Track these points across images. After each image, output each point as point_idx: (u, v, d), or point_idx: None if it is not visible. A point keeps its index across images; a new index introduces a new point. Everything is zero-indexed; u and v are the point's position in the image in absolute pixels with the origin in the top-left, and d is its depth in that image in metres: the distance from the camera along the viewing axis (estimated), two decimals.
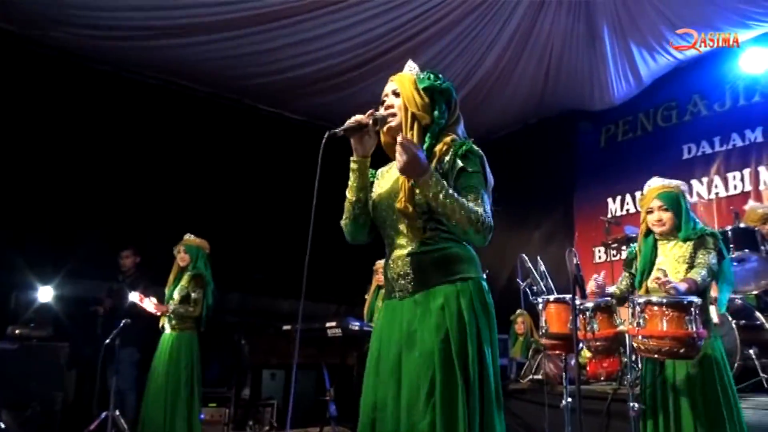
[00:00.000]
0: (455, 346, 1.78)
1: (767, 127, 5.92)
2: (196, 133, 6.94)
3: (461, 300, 1.83)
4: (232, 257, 6.64)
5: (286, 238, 6.14)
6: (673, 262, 2.97)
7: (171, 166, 6.69)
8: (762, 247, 4.37)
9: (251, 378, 6.68)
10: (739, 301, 4.45)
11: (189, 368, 4.64)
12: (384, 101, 2.03)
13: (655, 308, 2.71)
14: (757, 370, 4.08)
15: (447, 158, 1.91)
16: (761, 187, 5.83)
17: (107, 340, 4.68)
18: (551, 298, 3.50)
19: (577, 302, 3.18)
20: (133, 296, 4.74)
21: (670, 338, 2.66)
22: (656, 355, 2.74)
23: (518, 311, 6.48)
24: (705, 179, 6.26)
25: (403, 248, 1.94)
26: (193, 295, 4.71)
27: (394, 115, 1.99)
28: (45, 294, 5.32)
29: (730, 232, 4.46)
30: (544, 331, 3.44)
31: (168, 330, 4.71)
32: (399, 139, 1.81)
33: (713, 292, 3.08)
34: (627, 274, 3.30)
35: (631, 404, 2.98)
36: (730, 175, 6.10)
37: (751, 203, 5.32)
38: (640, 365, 3.85)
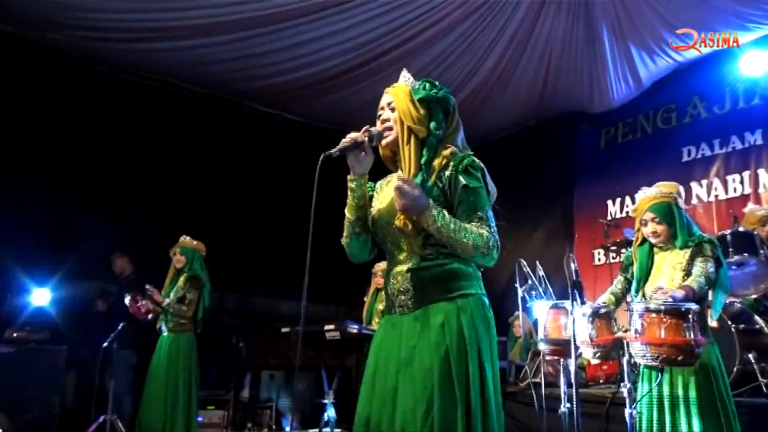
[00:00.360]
0: (455, 364, 1.75)
1: (767, 129, 5.90)
2: (195, 135, 6.93)
3: (462, 317, 1.81)
4: (232, 258, 6.64)
5: (285, 240, 6.14)
6: (669, 269, 2.98)
7: (170, 168, 6.68)
8: (761, 251, 4.35)
9: (250, 379, 6.67)
10: (738, 305, 4.44)
11: (187, 370, 4.64)
12: (380, 114, 2.02)
13: (653, 315, 2.70)
14: (756, 374, 4.07)
15: (447, 173, 1.89)
16: (761, 190, 5.81)
17: (105, 344, 4.68)
18: (549, 303, 3.48)
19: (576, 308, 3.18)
20: (127, 300, 4.75)
21: (669, 345, 2.65)
22: (654, 362, 2.73)
23: (516, 313, 6.47)
24: (704, 182, 6.24)
25: (404, 264, 1.92)
26: (188, 296, 4.73)
27: (390, 129, 1.97)
28: (40, 297, 5.29)
29: (729, 236, 4.44)
30: (542, 336, 3.43)
31: (165, 332, 4.71)
32: (395, 182, 1.80)
33: (709, 297, 3.08)
34: (623, 279, 3.31)
35: (629, 411, 2.97)
36: (729, 178, 6.08)
37: (750, 206, 5.31)
38: (638, 370, 3.86)
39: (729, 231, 4.49)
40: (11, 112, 5.70)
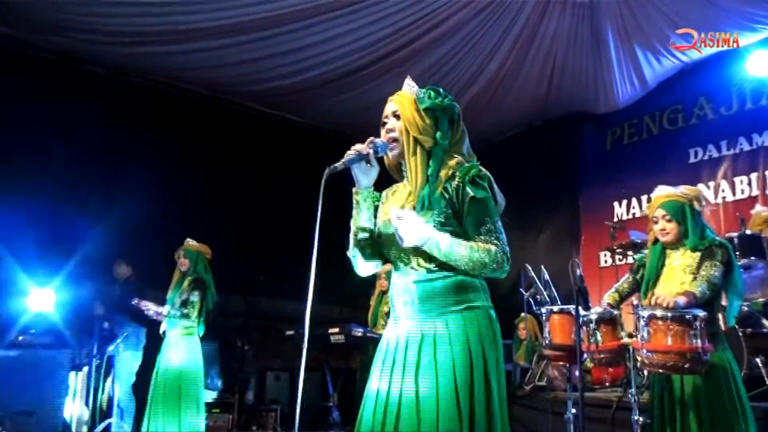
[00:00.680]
0: (461, 379, 1.74)
1: None
2: (199, 137, 6.93)
3: (468, 330, 1.80)
4: (237, 260, 6.64)
5: (290, 241, 6.13)
6: (679, 271, 2.93)
7: (174, 169, 6.67)
8: None
9: (255, 381, 6.68)
10: (746, 309, 4.40)
11: (191, 374, 4.62)
12: (384, 123, 2.00)
13: (659, 322, 2.67)
14: (763, 378, 4.04)
15: (453, 184, 1.87)
16: None
17: (110, 347, 4.68)
18: (555, 308, 3.46)
19: (581, 313, 3.16)
20: (134, 302, 4.74)
21: (675, 353, 2.62)
22: (661, 370, 2.71)
23: (521, 315, 6.45)
24: (712, 183, 6.19)
25: (409, 275, 1.90)
26: (191, 299, 4.71)
27: (395, 140, 1.95)
28: (41, 299, 5.25)
29: (736, 239, 4.41)
30: (547, 341, 3.41)
31: (169, 336, 4.70)
32: (393, 220, 1.79)
33: (723, 302, 3.04)
34: (631, 278, 3.26)
35: (636, 417, 2.95)
36: (737, 180, 6.04)
37: (757, 207, 5.27)
38: (645, 374, 3.83)
39: (736, 234, 4.46)
40: (11, 113, 5.67)
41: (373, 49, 6.17)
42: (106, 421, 4.66)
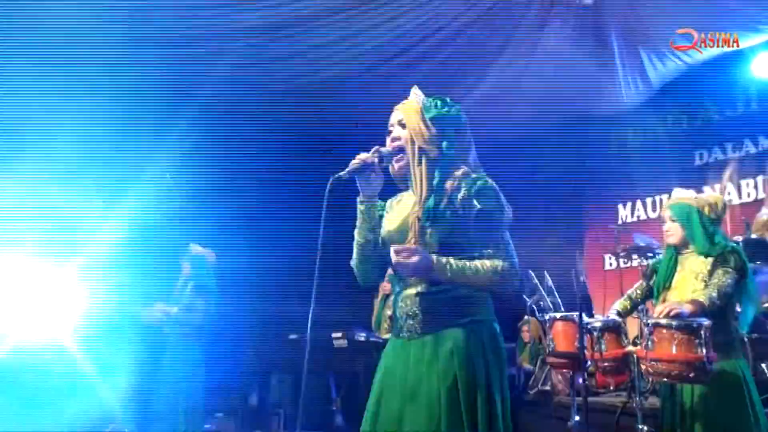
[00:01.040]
0: (463, 395, 1.71)
1: None
2: (205, 137, 6.90)
3: (471, 345, 1.77)
4: (241, 262, 6.63)
5: (294, 241, 6.11)
6: (691, 278, 2.89)
7: (178, 171, 6.67)
8: None
9: (259, 384, 6.67)
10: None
11: (192, 379, 4.62)
12: (390, 132, 1.98)
13: (664, 331, 2.65)
14: None
15: (459, 195, 1.84)
16: None
17: (113, 351, 4.68)
18: (558, 315, 3.44)
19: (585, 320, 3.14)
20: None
21: (680, 362, 2.60)
22: (666, 379, 2.69)
23: (525, 318, 6.42)
24: (717, 186, 6.16)
25: (413, 287, 1.88)
26: (194, 304, 4.71)
27: (401, 149, 1.93)
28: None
29: (741, 244, 4.36)
30: (550, 349, 3.39)
31: (172, 340, 4.70)
32: (393, 258, 1.74)
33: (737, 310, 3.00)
34: (644, 284, 3.23)
35: (640, 426, 2.93)
36: (743, 182, 6.01)
37: (764, 210, 5.23)
38: (650, 379, 3.80)
39: (741, 239, 4.42)
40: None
41: (375, 54, 6.15)
42: (111, 427, 4.66)
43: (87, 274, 5.25)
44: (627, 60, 6.28)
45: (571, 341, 3.26)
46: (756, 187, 5.90)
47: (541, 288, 3.89)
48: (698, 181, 6.22)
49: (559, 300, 3.84)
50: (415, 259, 1.72)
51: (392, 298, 2.07)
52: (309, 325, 1.95)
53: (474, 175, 1.88)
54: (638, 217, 6.80)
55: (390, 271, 2.09)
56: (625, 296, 3.28)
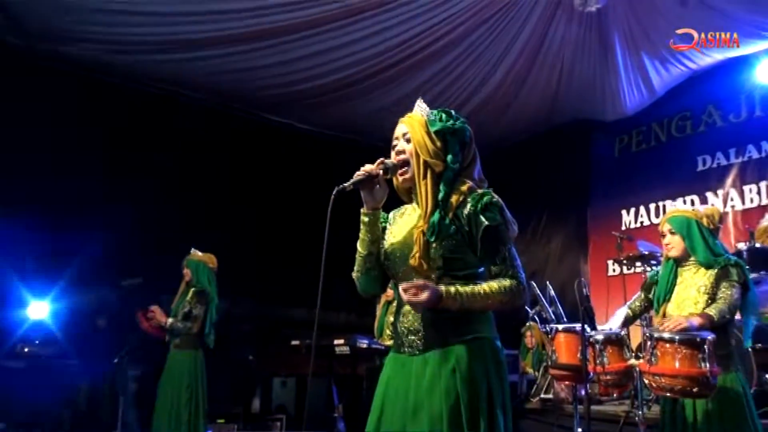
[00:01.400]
0: (466, 412, 1.70)
1: None
2: (206, 144, 6.93)
3: (474, 363, 1.76)
4: (244, 266, 6.63)
5: (297, 246, 6.10)
6: (693, 291, 2.88)
7: (182, 178, 6.68)
8: None
9: (261, 387, 6.65)
10: (755, 324, 4.34)
11: (190, 389, 4.54)
12: (395, 145, 1.96)
13: (667, 345, 2.63)
14: None
15: (465, 211, 1.83)
16: None
17: (115, 359, 4.66)
18: (560, 327, 3.42)
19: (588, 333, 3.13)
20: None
21: (683, 377, 2.58)
22: (668, 394, 2.67)
23: (527, 324, 6.41)
24: (720, 192, 6.13)
25: None
26: (194, 311, 4.64)
27: (406, 163, 1.92)
28: (39, 310, 5.22)
29: (745, 253, 4.35)
30: (552, 360, 3.37)
31: (171, 348, 4.68)
32: (402, 294, 1.75)
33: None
34: (643, 296, 3.22)
35: None
36: (746, 188, 5.97)
37: (767, 216, 5.21)
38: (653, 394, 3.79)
39: (745, 248, 4.40)
40: (13, 120, 5.67)
41: (379, 59, 6.15)
42: None
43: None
44: (630, 65, 6.26)
45: (573, 353, 3.24)
46: (759, 192, 5.86)
47: (542, 299, 3.87)
48: (701, 186, 6.20)
49: (562, 310, 3.82)
50: (424, 296, 1.72)
51: (393, 305, 2.07)
52: (314, 333, 1.95)
53: (480, 191, 1.87)
54: (641, 222, 6.77)
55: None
56: (627, 306, 3.28)
